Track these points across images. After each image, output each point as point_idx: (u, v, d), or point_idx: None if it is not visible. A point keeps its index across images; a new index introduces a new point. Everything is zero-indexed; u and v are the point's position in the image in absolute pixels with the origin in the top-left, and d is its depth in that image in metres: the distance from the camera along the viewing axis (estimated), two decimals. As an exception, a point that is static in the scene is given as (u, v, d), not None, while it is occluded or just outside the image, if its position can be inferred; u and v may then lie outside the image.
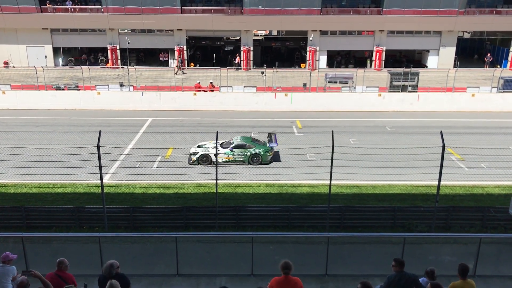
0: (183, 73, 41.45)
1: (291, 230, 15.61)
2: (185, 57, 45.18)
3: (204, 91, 33.07)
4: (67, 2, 44.69)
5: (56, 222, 15.72)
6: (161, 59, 46.54)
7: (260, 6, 43.61)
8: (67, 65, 45.77)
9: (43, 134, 25.92)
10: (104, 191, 14.95)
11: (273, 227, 15.70)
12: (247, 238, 13.08)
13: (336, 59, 46.44)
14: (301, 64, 46.55)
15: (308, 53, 45.25)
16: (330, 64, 45.45)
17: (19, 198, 17.68)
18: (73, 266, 9.59)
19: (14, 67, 43.29)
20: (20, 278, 8.23)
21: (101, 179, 14.56)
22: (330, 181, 14.84)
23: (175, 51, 44.73)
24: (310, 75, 33.38)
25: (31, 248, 12.64)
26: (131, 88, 32.85)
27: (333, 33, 45.58)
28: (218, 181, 15.07)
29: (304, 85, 33.81)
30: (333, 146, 14.28)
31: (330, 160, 14.52)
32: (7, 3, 42.46)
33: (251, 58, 45.56)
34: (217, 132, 14.98)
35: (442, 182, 14.88)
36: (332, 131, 14.81)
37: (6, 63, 43.71)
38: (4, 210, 15.92)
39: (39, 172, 17.93)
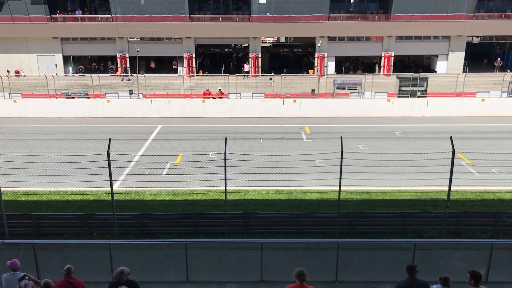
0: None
1: (300, 237, 15.56)
2: (194, 65, 45.42)
3: (213, 98, 33.20)
4: (77, 11, 45.24)
5: (66, 229, 15.80)
6: (174, 66, 46.86)
7: (268, 13, 43.82)
8: (77, 73, 46.24)
9: (54, 142, 26.14)
10: (114, 198, 15.02)
11: (283, 233, 15.66)
12: (257, 245, 13.04)
13: (345, 65, 46.43)
14: (309, 70, 46.59)
15: (316, 59, 45.30)
16: (338, 70, 45.45)
17: (30, 206, 17.82)
18: (84, 272, 9.67)
19: (25, 76, 43.82)
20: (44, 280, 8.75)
21: (111, 186, 14.64)
22: (340, 187, 14.78)
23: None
24: (319, 81, 33.39)
25: (42, 255, 12.73)
26: (141, 95, 33.07)
27: (341, 39, 45.61)
28: (227, 188, 15.09)
29: (313, 91, 33.82)
30: (342, 152, 14.24)
31: (339, 166, 14.48)
32: (18, 13, 43.09)
33: (260, 65, 45.70)
34: (225, 138, 15.01)
35: (452, 188, 14.77)
36: (341, 137, 14.78)
37: (17, 72, 44.25)
38: (16, 217, 16.04)
39: (50, 180, 18.07)
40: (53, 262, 13.08)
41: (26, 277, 9.32)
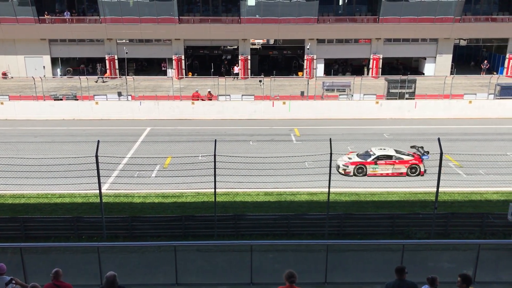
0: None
1: (290, 238, 15.60)
2: (183, 66, 45.34)
3: (202, 99, 33.15)
4: (65, 13, 44.91)
5: (54, 232, 15.68)
6: (163, 68, 46.69)
7: (257, 15, 43.87)
8: (65, 75, 45.85)
9: (42, 144, 25.89)
10: (103, 201, 14.94)
11: (272, 235, 15.68)
12: (246, 247, 13.05)
13: (334, 67, 46.63)
14: (299, 73, 46.72)
15: (305, 61, 45.44)
16: (327, 72, 45.63)
17: (17, 209, 17.64)
18: (72, 276, 9.58)
19: (12, 77, 43.34)
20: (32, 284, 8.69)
21: (100, 188, 14.56)
22: (329, 188, 14.86)
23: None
24: (308, 83, 33.51)
25: (30, 259, 12.59)
26: (129, 97, 32.91)
27: (330, 41, 45.81)
28: (217, 190, 15.08)
29: (302, 93, 33.93)
30: (331, 153, 14.32)
31: (328, 168, 14.55)
32: (5, 14, 42.63)
33: (249, 67, 45.74)
34: (215, 140, 15.01)
35: (440, 189, 14.92)
36: (330, 139, 14.86)
37: (4, 74, 43.79)
38: (3, 220, 15.88)
39: (38, 183, 17.93)
40: (40, 266, 12.96)
41: (13, 281, 9.23)
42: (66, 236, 15.56)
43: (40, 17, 43.50)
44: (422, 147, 21.87)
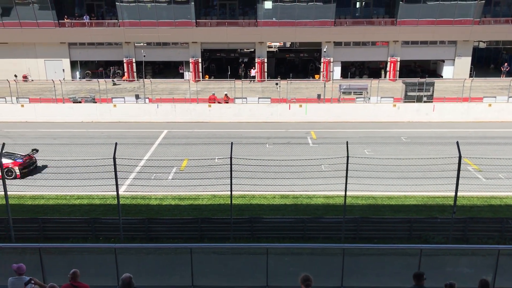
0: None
1: (306, 242, 15.54)
2: (200, 69, 45.59)
3: (219, 102, 33.27)
4: (84, 17, 45.55)
5: (72, 233, 15.87)
6: (180, 71, 47.03)
7: (274, 18, 43.91)
8: (84, 78, 46.49)
9: (61, 146, 26.29)
10: (120, 203, 15.08)
11: (288, 238, 15.64)
12: (262, 250, 13.03)
13: (350, 70, 46.37)
14: (315, 75, 46.60)
15: (322, 64, 45.31)
16: (344, 75, 45.40)
17: (36, 210, 17.90)
18: (89, 277, 9.68)
19: (32, 80, 44.11)
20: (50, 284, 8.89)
21: (117, 190, 14.70)
22: (345, 192, 14.76)
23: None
24: (324, 86, 33.39)
25: (48, 259, 12.76)
26: (147, 100, 33.21)
27: (347, 44, 45.60)
28: (233, 192, 15.10)
29: (319, 96, 33.83)
30: (348, 157, 14.22)
31: (345, 171, 14.46)
32: (27, 18, 43.45)
33: (266, 70, 45.78)
34: (231, 143, 15.04)
35: (459, 193, 14.70)
36: (347, 142, 14.76)
37: (25, 77, 44.57)
38: (22, 221, 16.13)
39: (56, 184, 18.16)
40: (58, 266, 13.11)
41: (32, 281, 9.35)
42: (84, 237, 15.73)
43: (60, 21, 44.21)
44: (36, 150, 21.78)
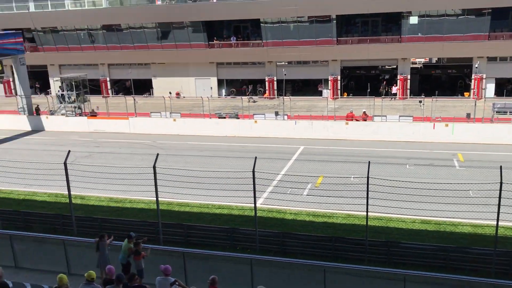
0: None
1: (449, 272, 14.28)
2: (339, 87, 45.41)
3: (357, 120, 32.67)
4: (232, 38, 48.63)
5: (212, 240, 16.77)
6: (319, 89, 47.50)
7: (419, 34, 42.00)
8: (229, 95, 49.47)
9: (206, 158, 28.17)
10: (257, 215, 15.55)
11: (429, 266, 14.55)
12: (399, 276, 12.34)
13: (506, 87, 42.11)
14: (465, 93, 43.26)
15: (472, 81, 41.91)
16: (498, 92, 41.38)
17: (182, 216, 19.33)
18: (225, 284, 10.08)
19: (184, 97, 48.29)
20: None
21: (255, 202, 15.21)
22: (497, 221, 13.33)
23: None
24: (475, 104, 30.76)
25: (190, 264, 13.65)
26: (285, 117, 34.03)
27: (503, 59, 41.55)
28: (368, 213, 14.60)
29: (468, 115, 31.28)
30: (501, 183, 12.86)
31: (497, 199, 13.07)
32: (181, 41, 47.91)
33: (408, 87, 43.86)
34: (369, 162, 14.61)
35: None
36: (501, 166, 13.35)
37: (178, 94, 48.96)
38: (171, 226, 17.56)
39: (200, 193, 19.44)
40: (199, 272, 13.94)
41: (177, 283, 10.07)
42: (222, 246, 16.50)
43: (209, 42, 47.85)
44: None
